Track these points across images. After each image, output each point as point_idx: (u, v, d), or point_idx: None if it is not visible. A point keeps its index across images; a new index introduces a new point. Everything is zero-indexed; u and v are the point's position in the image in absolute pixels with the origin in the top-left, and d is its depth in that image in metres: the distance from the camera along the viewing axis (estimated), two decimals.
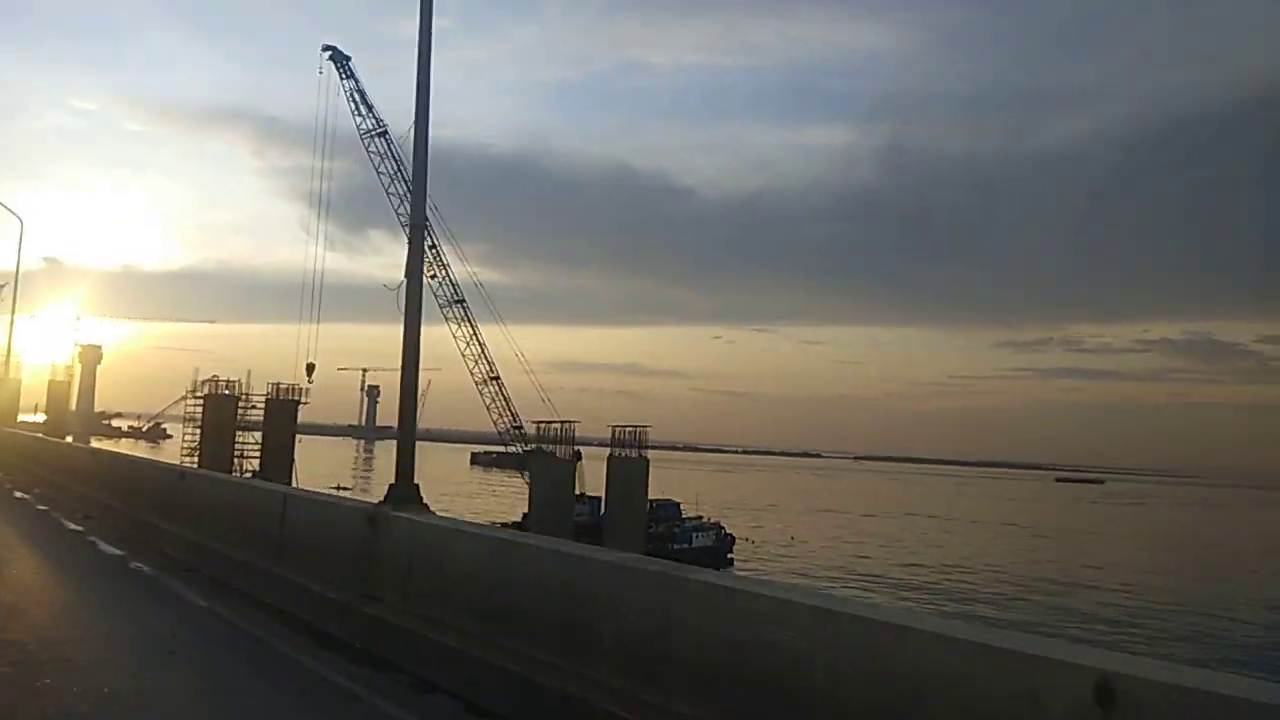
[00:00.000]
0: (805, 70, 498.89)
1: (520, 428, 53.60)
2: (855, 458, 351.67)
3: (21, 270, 36.34)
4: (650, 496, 55.92)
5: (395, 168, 50.77)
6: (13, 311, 26.73)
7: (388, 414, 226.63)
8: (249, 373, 51.93)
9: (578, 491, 55.61)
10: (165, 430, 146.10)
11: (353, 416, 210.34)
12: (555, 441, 46.83)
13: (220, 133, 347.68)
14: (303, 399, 49.59)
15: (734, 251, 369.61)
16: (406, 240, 12.05)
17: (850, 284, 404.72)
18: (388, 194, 50.75)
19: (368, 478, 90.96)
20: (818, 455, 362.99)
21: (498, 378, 52.88)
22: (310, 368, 49.19)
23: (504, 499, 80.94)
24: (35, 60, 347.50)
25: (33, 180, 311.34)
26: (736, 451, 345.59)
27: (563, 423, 48.14)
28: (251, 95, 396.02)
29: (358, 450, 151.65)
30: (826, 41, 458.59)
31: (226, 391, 49.02)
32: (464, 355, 52.43)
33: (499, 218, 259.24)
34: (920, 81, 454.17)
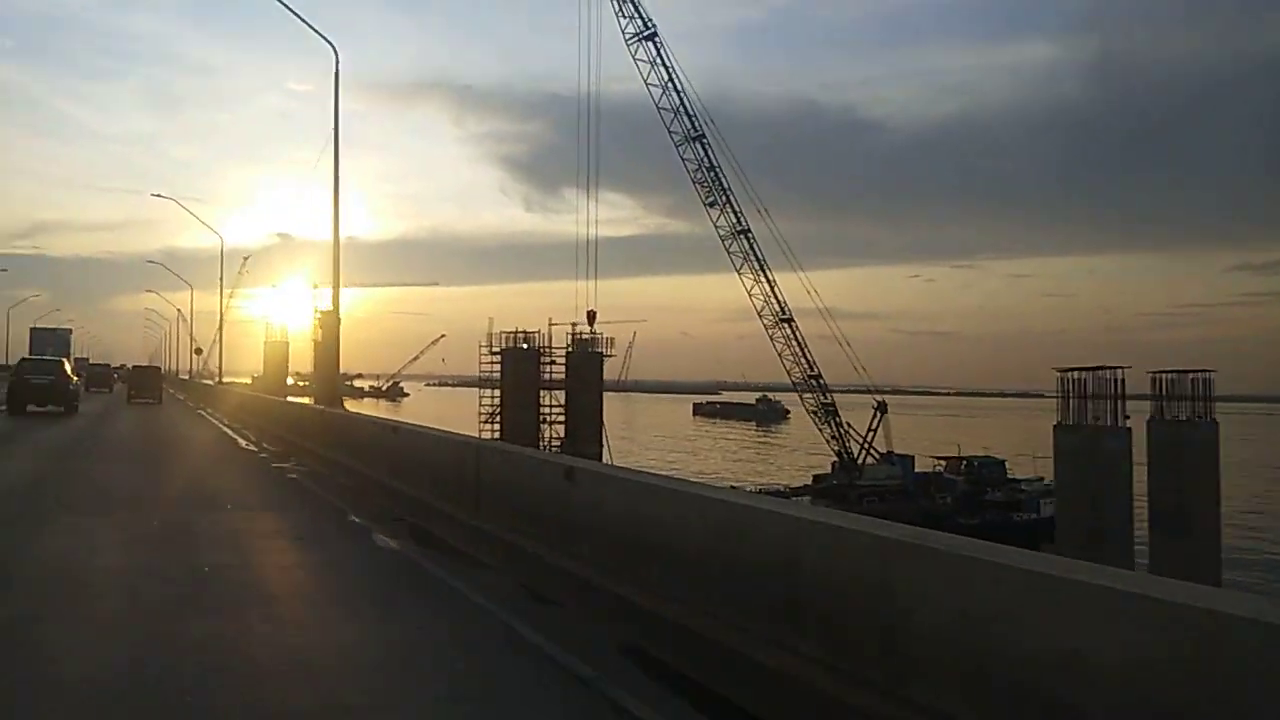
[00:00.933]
0: None
1: (818, 376, 46.93)
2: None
3: (256, 247, 32.12)
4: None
5: (666, 76, 44.95)
6: (335, 212, 20.93)
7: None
8: (549, 321, 46.23)
9: (885, 449, 48.68)
10: (403, 389, 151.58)
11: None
12: (1100, 396, 31.78)
13: (422, 105, 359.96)
14: (608, 350, 44.29)
15: (927, 184, 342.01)
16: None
17: (1058, 211, 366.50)
18: (659, 108, 44.92)
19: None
20: (1039, 395, 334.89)
21: (790, 319, 46.30)
22: (591, 315, 44.15)
23: (767, 454, 75.30)
24: (253, 47, 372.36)
25: (259, 161, 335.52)
26: (947, 394, 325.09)
27: (1103, 368, 33.72)
28: (448, 67, 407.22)
29: None
30: None
31: (525, 345, 42.45)
32: (750, 295, 46.18)
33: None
34: None
